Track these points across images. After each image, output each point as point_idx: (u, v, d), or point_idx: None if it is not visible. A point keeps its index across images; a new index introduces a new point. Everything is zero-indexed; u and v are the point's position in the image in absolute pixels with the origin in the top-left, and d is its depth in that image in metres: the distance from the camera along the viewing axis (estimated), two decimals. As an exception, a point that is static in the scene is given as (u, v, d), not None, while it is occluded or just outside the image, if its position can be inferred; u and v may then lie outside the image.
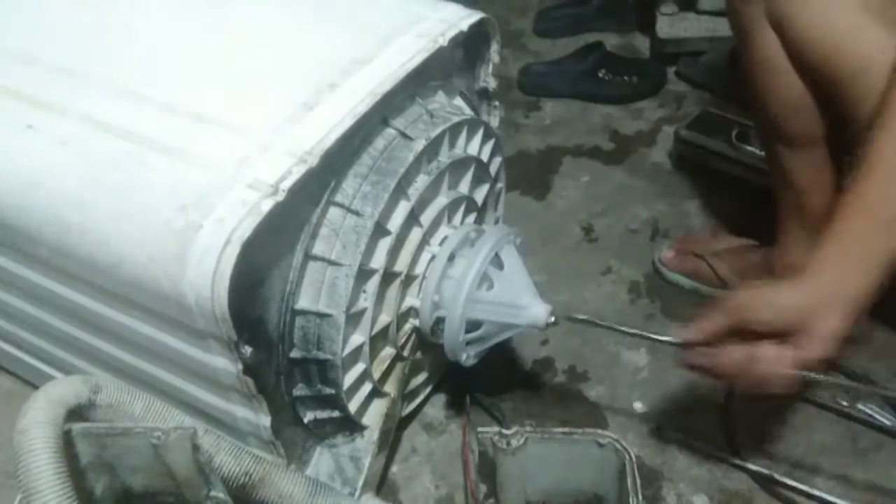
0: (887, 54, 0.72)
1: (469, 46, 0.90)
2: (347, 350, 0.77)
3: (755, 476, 0.91)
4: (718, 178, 1.28)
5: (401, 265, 0.80)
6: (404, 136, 0.78)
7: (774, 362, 0.68)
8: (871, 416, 0.96)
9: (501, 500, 0.71)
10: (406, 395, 0.93)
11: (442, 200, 0.84)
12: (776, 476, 0.90)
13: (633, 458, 0.65)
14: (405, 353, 0.87)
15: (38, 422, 0.62)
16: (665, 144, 1.44)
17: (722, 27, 1.51)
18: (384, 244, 0.76)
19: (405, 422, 0.98)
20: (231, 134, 0.71)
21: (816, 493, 0.88)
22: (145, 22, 0.87)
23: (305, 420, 0.82)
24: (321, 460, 0.87)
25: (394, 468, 0.95)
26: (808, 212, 0.96)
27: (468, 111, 0.90)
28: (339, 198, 0.74)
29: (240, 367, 0.69)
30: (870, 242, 0.68)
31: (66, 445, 0.65)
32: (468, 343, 0.82)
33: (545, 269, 1.18)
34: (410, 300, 0.83)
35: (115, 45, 0.84)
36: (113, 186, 0.69)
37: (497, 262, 0.82)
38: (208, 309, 0.64)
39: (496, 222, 1.02)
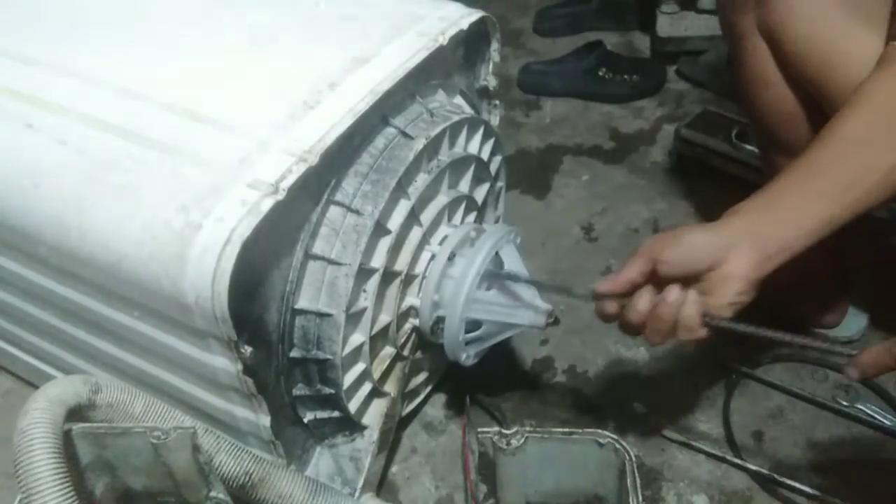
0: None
1: (469, 45, 0.90)
2: (347, 350, 0.77)
3: (755, 476, 0.91)
4: (719, 177, 1.28)
5: (401, 264, 0.80)
6: (404, 134, 0.78)
7: (679, 306, 0.68)
8: (871, 416, 0.96)
9: (501, 500, 0.71)
10: (406, 395, 0.93)
11: (442, 199, 0.84)
12: (776, 476, 0.90)
13: (633, 458, 0.65)
14: (405, 353, 0.87)
15: (38, 422, 0.62)
16: (665, 143, 1.44)
17: (722, 26, 1.51)
18: (384, 243, 0.76)
19: (405, 422, 0.98)
20: (231, 133, 0.71)
21: (816, 493, 0.88)
22: (145, 21, 0.87)
23: (305, 420, 0.82)
24: (321, 460, 0.87)
25: (394, 468, 0.95)
26: None
27: (468, 110, 0.90)
28: (339, 197, 0.74)
29: (240, 366, 0.69)
30: (798, 201, 0.69)
31: (66, 445, 0.65)
32: (468, 343, 0.82)
33: (545, 268, 1.18)
34: (410, 300, 0.83)
35: (115, 44, 0.84)
36: (113, 186, 0.69)
37: (497, 261, 0.82)
38: (208, 308, 0.64)
39: (496, 221, 1.02)
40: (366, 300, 0.76)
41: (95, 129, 0.73)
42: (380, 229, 0.75)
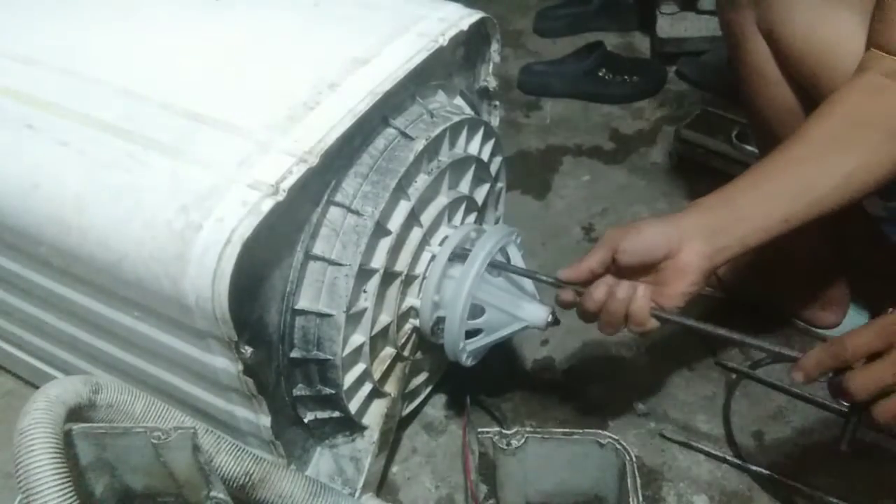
0: None
1: (469, 46, 0.90)
2: (347, 350, 0.77)
3: (755, 476, 0.91)
4: (719, 178, 1.27)
5: (401, 265, 0.80)
6: (405, 135, 0.78)
7: (629, 301, 0.71)
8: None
9: (501, 500, 0.71)
10: (406, 396, 0.93)
11: (442, 200, 0.84)
12: (776, 476, 0.90)
13: (633, 458, 0.65)
14: (405, 353, 0.87)
15: (39, 422, 0.62)
16: (665, 144, 1.44)
17: (722, 27, 1.51)
18: (384, 244, 0.76)
19: (405, 422, 0.98)
20: (231, 134, 0.71)
21: (816, 493, 0.88)
22: (145, 21, 0.87)
23: (305, 420, 0.82)
24: (321, 460, 0.87)
25: (394, 468, 0.95)
26: None
27: (468, 111, 0.90)
28: (339, 197, 0.74)
29: (240, 367, 0.69)
30: (754, 199, 0.71)
31: (66, 445, 0.65)
32: (468, 338, 0.82)
33: (545, 268, 1.17)
34: (410, 300, 0.83)
35: (115, 45, 0.84)
36: (113, 186, 0.69)
37: (504, 256, 0.83)
38: (208, 309, 0.64)
39: (496, 222, 1.02)
40: (366, 301, 0.76)
41: (96, 130, 0.73)
42: (380, 230, 0.75)
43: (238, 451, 0.73)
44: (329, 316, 0.74)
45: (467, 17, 0.84)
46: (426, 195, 0.81)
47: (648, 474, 0.93)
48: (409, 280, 0.82)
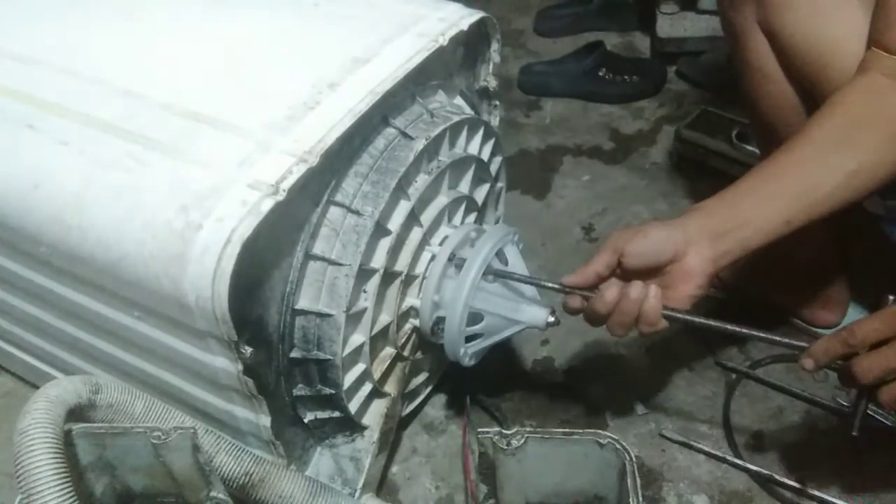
0: None
1: (469, 46, 0.90)
2: (347, 350, 0.77)
3: (755, 476, 0.91)
4: (718, 178, 1.28)
5: (401, 265, 0.80)
6: (405, 135, 0.78)
7: (642, 301, 0.71)
8: (871, 415, 0.96)
9: (501, 500, 0.71)
10: (406, 395, 0.93)
11: (442, 200, 0.84)
12: (776, 476, 0.90)
13: (633, 458, 0.65)
14: (405, 353, 0.87)
15: (38, 422, 0.62)
16: (665, 144, 1.44)
17: (722, 27, 1.51)
18: (384, 244, 0.76)
19: (405, 422, 0.98)
20: (231, 134, 0.71)
21: (817, 493, 0.88)
22: (146, 21, 0.86)
23: (305, 420, 0.82)
24: (321, 461, 0.87)
25: (394, 468, 0.95)
26: None
27: (468, 110, 0.90)
28: (339, 197, 0.74)
29: (240, 367, 0.69)
30: (756, 202, 0.72)
31: (66, 445, 0.65)
32: (468, 341, 0.82)
33: (545, 268, 1.18)
34: (410, 300, 0.83)
35: (115, 44, 0.84)
36: (113, 186, 0.69)
37: (503, 259, 0.82)
38: (208, 309, 0.64)
39: (496, 222, 1.02)
40: (366, 301, 0.76)
41: (96, 130, 0.73)
42: (380, 230, 0.75)
43: (238, 451, 0.73)
44: (329, 316, 0.74)
45: (467, 17, 0.84)
46: (426, 195, 0.81)
47: (648, 474, 0.93)
48: (409, 280, 0.82)
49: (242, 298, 0.66)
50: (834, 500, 0.88)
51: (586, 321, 0.76)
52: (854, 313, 1.06)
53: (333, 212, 0.74)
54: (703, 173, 1.32)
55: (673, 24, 1.62)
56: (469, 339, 0.82)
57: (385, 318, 0.81)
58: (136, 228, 0.67)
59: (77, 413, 0.68)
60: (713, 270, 0.71)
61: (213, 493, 0.71)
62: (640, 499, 0.64)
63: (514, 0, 1.89)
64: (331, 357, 0.76)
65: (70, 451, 0.67)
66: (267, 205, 0.64)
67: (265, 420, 0.74)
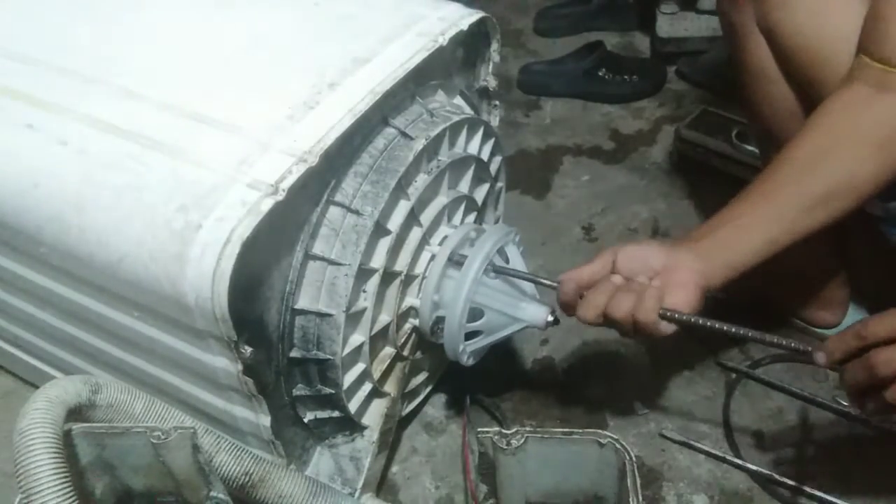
0: None
1: (469, 45, 0.90)
2: (347, 350, 0.77)
3: (755, 476, 0.91)
4: (718, 178, 1.28)
5: (401, 265, 0.80)
6: (404, 135, 0.78)
7: (643, 291, 0.71)
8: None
9: (501, 500, 0.71)
10: (406, 395, 0.93)
11: (442, 200, 0.84)
12: (776, 476, 0.90)
13: (633, 458, 0.65)
14: (405, 353, 0.87)
15: (38, 422, 0.62)
16: (665, 144, 1.44)
17: (722, 26, 1.51)
18: (384, 244, 0.76)
19: (405, 422, 0.98)
20: (231, 133, 0.71)
21: (816, 493, 0.88)
22: (145, 21, 0.87)
23: (305, 420, 0.82)
24: (321, 460, 0.87)
25: (394, 468, 0.95)
26: None
27: (468, 110, 0.90)
28: (338, 197, 0.74)
29: (240, 367, 0.69)
30: (740, 225, 0.74)
31: (66, 445, 0.65)
32: (468, 338, 0.82)
33: (545, 268, 1.18)
34: (410, 300, 0.83)
35: (115, 44, 0.84)
36: (113, 186, 0.69)
37: (504, 257, 0.83)
38: (208, 308, 0.64)
39: (496, 222, 1.02)
40: (365, 300, 0.76)
41: (95, 130, 0.73)
42: (379, 230, 0.75)
43: (238, 450, 0.73)
44: (329, 315, 0.74)
45: (467, 17, 0.84)
46: (426, 195, 0.81)
47: (648, 474, 0.93)
48: (408, 280, 0.82)
49: (242, 298, 0.66)
50: (834, 500, 0.87)
51: (578, 315, 0.75)
52: (854, 314, 1.06)
53: (333, 211, 0.74)
54: (703, 173, 1.32)
55: (673, 24, 1.62)
56: (469, 337, 0.82)
57: (385, 318, 0.81)
58: (135, 228, 0.67)
59: (77, 413, 0.68)
60: (704, 285, 0.72)
61: (213, 493, 0.71)
62: (640, 498, 0.64)
63: (514, 0, 1.88)
64: (330, 357, 0.76)
65: (70, 451, 0.67)
66: (266, 205, 0.64)
67: (265, 420, 0.74)
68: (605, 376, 1.05)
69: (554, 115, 1.55)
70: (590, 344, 1.08)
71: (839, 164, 0.73)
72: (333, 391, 0.79)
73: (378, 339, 0.82)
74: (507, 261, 0.83)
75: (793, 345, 0.69)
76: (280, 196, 0.65)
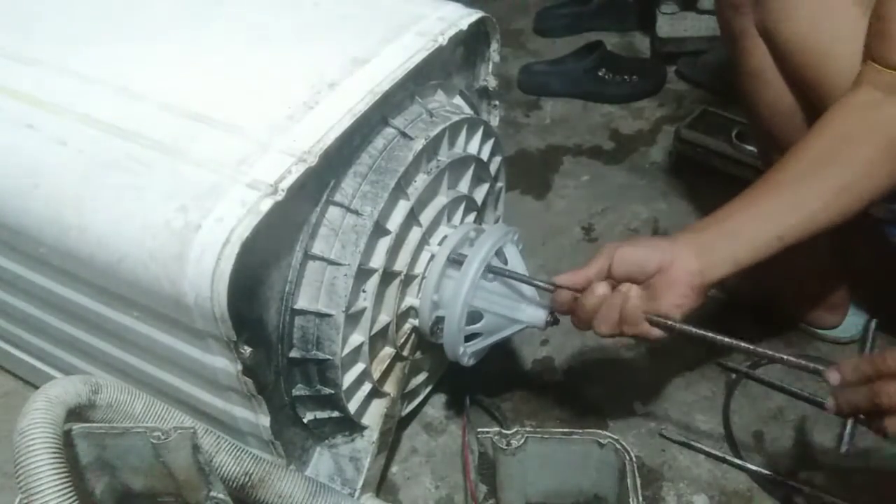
0: None
1: (469, 45, 0.90)
2: (347, 350, 0.77)
3: (755, 476, 0.91)
4: (718, 178, 1.28)
5: (400, 265, 0.80)
6: (404, 135, 0.78)
7: (627, 298, 0.72)
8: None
9: (501, 500, 0.71)
10: (406, 395, 0.93)
11: (441, 200, 0.84)
12: (776, 476, 0.90)
13: (633, 458, 0.65)
14: (405, 353, 0.87)
15: (39, 422, 0.62)
16: (665, 144, 1.44)
17: (722, 26, 1.51)
18: (383, 244, 0.76)
19: (405, 422, 0.98)
20: (230, 134, 0.71)
21: (816, 493, 0.88)
22: (145, 22, 0.86)
23: (305, 420, 0.82)
24: (321, 460, 0.87)
25: (394, 468, 0.95)
26: None
27: (468, 110, 0.90)
28: (338, 197, 0.74)
29: (239, 367, 0.69)
30: (747, 219, 0.73)
31: (66, 445, 0.65)
32: (468, 340, 0.82)
33: (545, 268, 1.18)
34: (410, 300, 0.83)
35: (115, 45, 0.84)
36: (113, 186, 0.69)
37: (503, 258, 0.82)
38: (208, 308, 0.64)
39: (496, 222, 1.02)
40: (365, 300, 0.76)
41: (95, 130, 0.73)
42: (379, 230, 0.75)
43: (238, 451, 0.73)
44: (328, 316, 0.74)
45: (467, 17, 0.84)
46: (425, 195, 0.81)
47: (648, 474, 0.93)
48: (408, 280, 0.82)
49: (241, 298, 0.66)
50: (834, 499, 0.87)
51: (573, 321, 0.77)
52: (854, 315, 1.05)
53: (332, 212, 0.74)
54: (703, 173, 1.32)
55: (673, 24, 1.62)
56: (468, 338, 0.82)
57: (384, 318, 0.81)
58: (135, 228, 0.67)
59: (77, 413, 0.68)
60: (700, 283, 0.72)
61: (212, 493, 0.71)
62: (640, 499, 0.64)
63: (513, 0, 1.88)
64: (330, 357, 0.76)
65: (70, 451, 0.67)
66: (266, 205, 0.64)
67: (264, 420, 0.74)
68: (605, 376, 1.05)
69: (554, 115, 1.55)
70: (590, 344, 1.08)
71: (849, 164, 0.72)
72: (333, 391, 0.79)
73: (378, 339, 0.82)
74: (506, 261, 0.83)
75: (774, 355, 0.70)
76: (279, 196, 0.65)
